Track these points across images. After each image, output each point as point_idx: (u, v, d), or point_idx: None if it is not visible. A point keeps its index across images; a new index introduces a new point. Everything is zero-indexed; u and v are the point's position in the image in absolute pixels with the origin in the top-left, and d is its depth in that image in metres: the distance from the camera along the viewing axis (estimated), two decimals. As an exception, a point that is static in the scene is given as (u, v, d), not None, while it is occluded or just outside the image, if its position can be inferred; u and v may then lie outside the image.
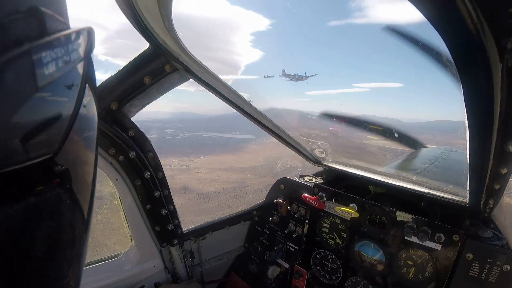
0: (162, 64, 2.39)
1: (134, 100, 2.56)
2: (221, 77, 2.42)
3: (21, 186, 0.54)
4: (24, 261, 0.55)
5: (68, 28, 0.60)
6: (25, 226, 0.55)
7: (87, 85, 0.67)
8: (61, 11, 0.59)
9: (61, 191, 0.64)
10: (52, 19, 0.55)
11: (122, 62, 2.38)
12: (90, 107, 0.71)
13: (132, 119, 2.69)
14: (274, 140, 3.48)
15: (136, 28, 1.93)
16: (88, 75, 0.67)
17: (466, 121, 1.44)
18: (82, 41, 0.61)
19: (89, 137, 0.75)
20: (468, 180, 2.22)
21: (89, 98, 0.69)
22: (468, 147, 1.72)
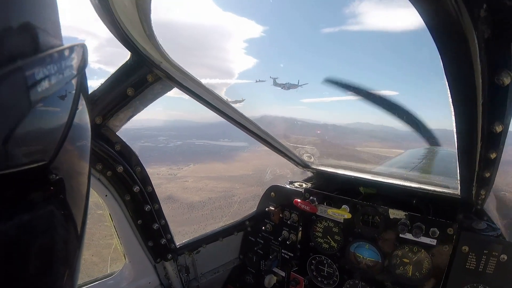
0: (144, 74, 2.37)
1: (119, 114, 2.53)
2: (206, 83, 2.41)
3: (15, 192, 0.53)
4: (15, 274, 0.54)
5: (61, 44, 0.61)
6: (17, 238, 0.54)
7: (81, 97, 0.69)
8: (54, 27, 0.61)
9: (54, 201, 0.64)
10: (46, 35, 0.57)
11: (114, 70, 2.37)
12: (84, 120, 0.74)
13: (117, 133, 2.66)
14: (266, 148, 3.47)
15: (116, 36, 1.91)
16: (82, 90, 0.69)
17: (450, 99, 1.44)
18: (75, 57, 0.63)
19: (83, 149, 0.76)
20: (458, 169, 2.22)
21: (83, 111, 0.71)
22: (455, 129, 1.71)
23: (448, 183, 2.84)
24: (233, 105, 2.77)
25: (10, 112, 0.48)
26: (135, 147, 2.81)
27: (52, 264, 0.66)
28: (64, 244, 0.70)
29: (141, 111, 2.64)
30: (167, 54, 2.06)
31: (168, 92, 2.59)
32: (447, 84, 1.33)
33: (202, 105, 2.67)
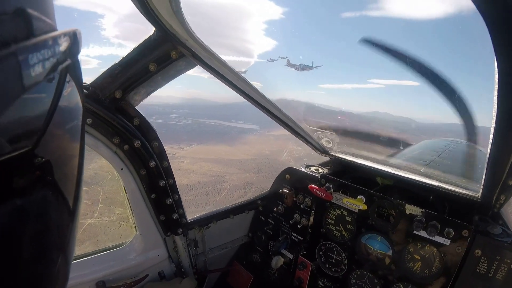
0: (167, 50, 2.32)
1: (139, 88, 2.50)
2: (228, 62, 2.34)
3: None
4: (4, 261, 0.52)
5: (55, 30, 0.60)
6: (4, 225, 0.51)
7: (72, 83, 0.68)
8: (48, 13, 0.60)
9: (42, 184, 0.62)
10: (39, 20, 0.55)
11: (133, 44, 2.33)
12: (74, 104, 0.72)
13: (137, 107, 2.64)
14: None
15: (141, 11, 1.86)
16: (74, 76, 0.68)
17: (495, 112, 1.36)
18: (68, 43, 0.62)
19: (72, 129, 0.74)
20: (484, 175, 2.15)
21: (73, 95, 0.70)
22: (491, 140, 1.65)
23: (468, 185, 2.76)
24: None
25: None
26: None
27: (43, 243, 0.64)
28: (55, 223, 0.68)
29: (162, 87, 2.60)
30: (194, 32, 2.00)
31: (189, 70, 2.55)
32: (496, 83, 1.24)
33: (221, 86, 2.63)
